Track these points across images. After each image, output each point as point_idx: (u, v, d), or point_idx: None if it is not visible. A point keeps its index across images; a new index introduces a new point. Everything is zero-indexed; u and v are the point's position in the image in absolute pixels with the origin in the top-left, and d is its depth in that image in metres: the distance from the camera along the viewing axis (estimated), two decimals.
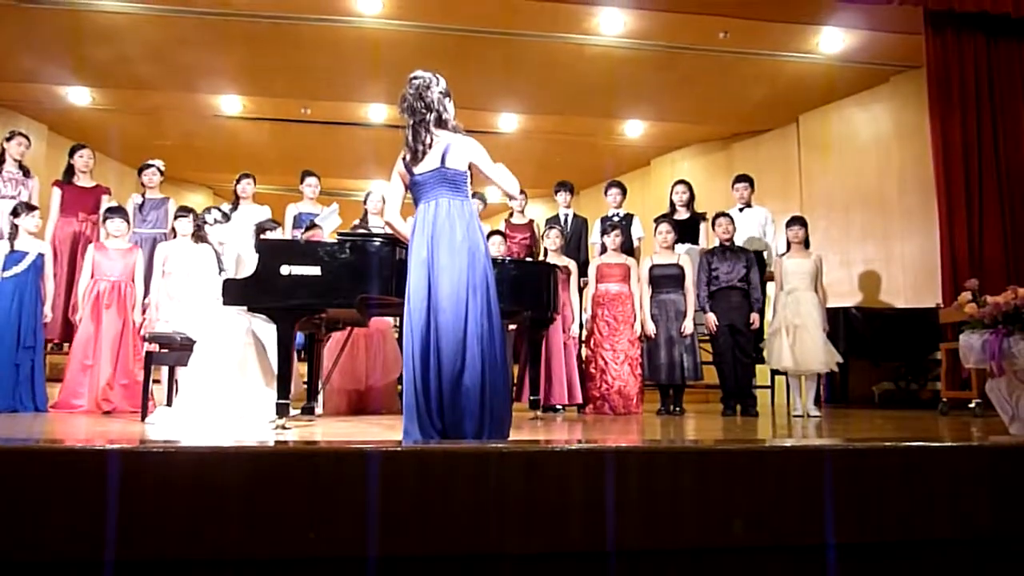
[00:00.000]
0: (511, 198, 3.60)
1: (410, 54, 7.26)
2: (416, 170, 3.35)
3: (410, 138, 3.35)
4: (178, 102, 8.54)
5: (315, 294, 3.99)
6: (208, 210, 5.17)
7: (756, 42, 7.37)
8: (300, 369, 5.54)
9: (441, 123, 3.37)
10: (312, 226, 5.38)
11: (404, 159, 3.39)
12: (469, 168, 3.38)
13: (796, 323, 5.70)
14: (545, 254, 6.49)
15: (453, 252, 3.23)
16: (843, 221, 8.28)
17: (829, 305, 6.23)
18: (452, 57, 7.30)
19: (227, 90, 8.34)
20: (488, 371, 3.16)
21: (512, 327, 6.20)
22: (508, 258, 5.88)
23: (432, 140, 3.33)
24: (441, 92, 3.39)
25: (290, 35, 7.21)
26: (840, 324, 6.85)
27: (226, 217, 5.10)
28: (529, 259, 6.51)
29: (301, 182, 6.98)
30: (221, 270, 4.88)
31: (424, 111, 3.34)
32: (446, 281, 3.20)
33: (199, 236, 5.07)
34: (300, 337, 5.99)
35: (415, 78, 3.38)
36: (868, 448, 2.53)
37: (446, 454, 2.30)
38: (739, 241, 6.46)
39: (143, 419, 4.66)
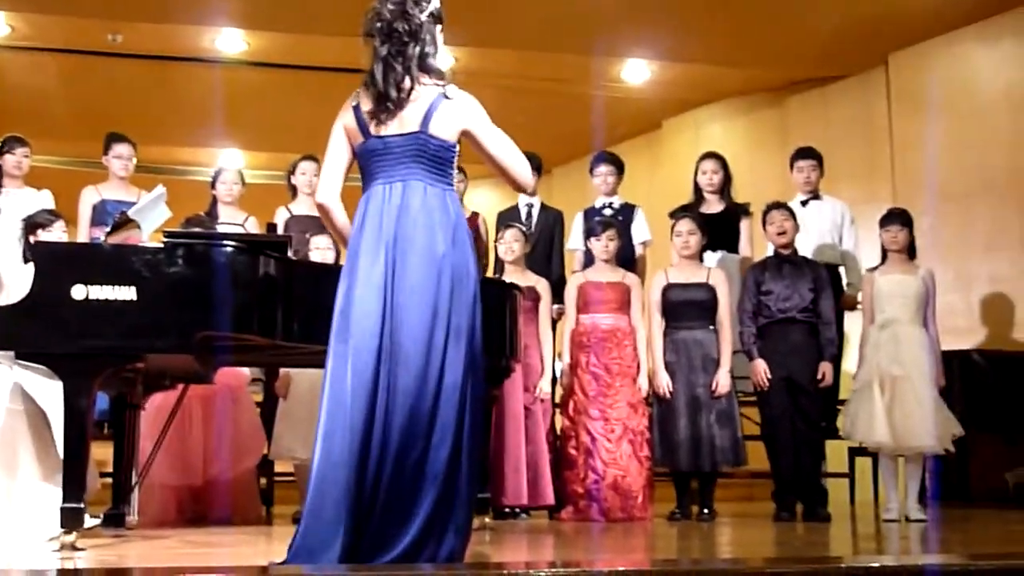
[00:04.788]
0: (520, 190, 3.63)
1: None
2: (378, 130, 3.34)
3: (379, 75, 3.33)
4: None
5: (128, 332, 3.94)
6: None
7: None
8: (101, 454, 5.42)
9: (424, 64, 3.37)
10: (124, 223, 5.29)
11: (357, 108, 3.38)
12: (460, 141, 3.40)
13: (896, 374, 5.79)
14: (499, 268, 6.48)
15: (430, 269, 3.23)
16: (959, 217, 8.42)
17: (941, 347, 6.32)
18: None
19: None
20: (464, 459, 3.18)
21: None
22: None
23: (412, 86, 3.34)
24: (432, 15, 3.40)
25: None
26: (955, 376, 6.95)
27: None
28: None
29: (106, 151, 6.89)
30: None
31: (407, 38, 3.34)
32: (415, 315, 3.20)
33: None
34: (103, 402, 5.83)
35: None
36: (1001, 569, 2.56)
37: None
38: (804, 249, 6.54)
39: None
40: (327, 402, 3.21)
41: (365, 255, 3.26)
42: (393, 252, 3.24)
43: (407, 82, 3.32)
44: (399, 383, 3.16)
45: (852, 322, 6.65)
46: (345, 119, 3.39)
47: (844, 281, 6.86)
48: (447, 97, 3.34)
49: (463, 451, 3.18)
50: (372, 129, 3.33)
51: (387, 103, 3.31)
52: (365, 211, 3.32)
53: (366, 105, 3.35)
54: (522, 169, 3.48)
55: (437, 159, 3.33)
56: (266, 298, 4.11)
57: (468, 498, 3.21)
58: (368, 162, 3.37)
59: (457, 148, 3.39)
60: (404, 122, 3.32)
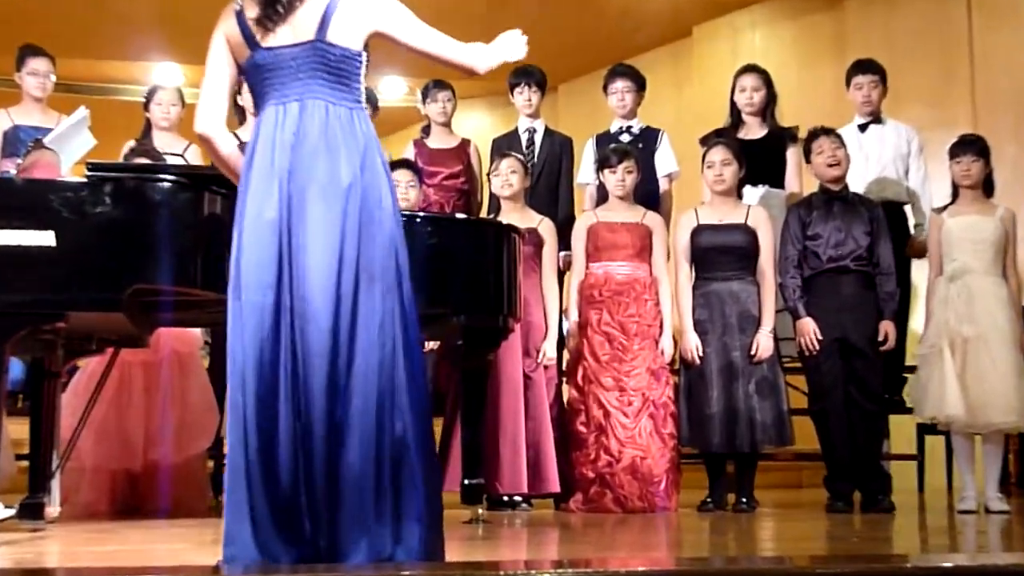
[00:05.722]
0: (472, 74, 3.57)
1: None
2: (266, 39, 3.32)
3: None
4: None
5: (46, 285, 3.96)
6: None
7: None
8: (17, 431, 5.45)
9: None
10: (40, 152, 5.29)
11: (241, 14, 3.35)
12: (368, 46, 3.37)
13: (968, 334, 5.79)
14: (494, 206, 6.49)
15: (332, 204, 3.22)
16: None
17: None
18: None
19: None
20: (396, 431, 3.15)
21: (430, 346, 6.13)
22: (423, 213, 5.84)
23: None
24: None
25: None
26: None
27: None
28: (462, 215, 6.48)
29: (18, 67, 6.87)
30: None
31: None
32: (319, 260, 3.18)
33: None
34: (17, 370, 5.83)
35: None
36: None
37: None
38: (860, 183, 6.54)
39: None
40: (228, 374, 3.21)
41: (256, 192, 3.25)
42: (289, 186, 3.22)
43: None
44: (309, 344, 3.14)
45: (921, 272, 6.63)
46: (226, 27, 3.36)
47: (911, 222, 6.85)
48: None
49: (393, 418, 3.15)
50: (259, 39, 3.31)
51: (276, 5, 3.28)
52: (256, 139, 3.30)
53: (251, 9, 3.31)
54: (461, 53, 3.45)
55: (340, 71, 3.31)
56: (211, 244, 4.10)
57: (424, 478, 3.19)
58: (257, 80, 3.35)
59: (364, 56, 3.36)
60: (297, 29, 3.29)
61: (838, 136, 6.16)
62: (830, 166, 6.05)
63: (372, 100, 7.10)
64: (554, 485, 5.99)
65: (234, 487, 3.15)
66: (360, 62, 3.35)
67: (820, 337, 5.92)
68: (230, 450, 3.20)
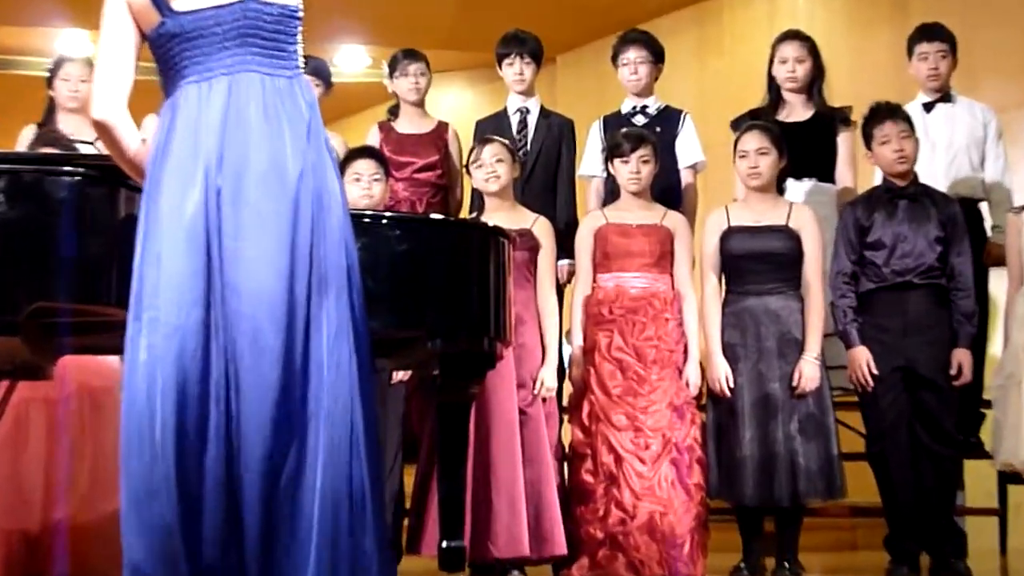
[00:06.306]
0: None
1: None
2: (181, 3, 3.29)
3: None
4: None
5: None
6: None
7: None
8: None
9: None
10: None
11: None
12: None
13: None
14: (477, 203, 6.48)
15: (280, 196, 3.18)
16: None
17: None
18: None
19: None
20: (354, 481, 3.12)
21: (400, 377, 6.10)
22: (390, 212, 5.86)
23: None
24: None
25: None
26: None
27: None
28: (438, 216, 6.47)
29: None
30: None
31: None
32: (264, 264, 3.15)
33: None
34: None
35: None
36: None
37: None
38: (926, 176, 6.48)
39: None
40: (124, 419, 3.13)
41: (172, 185, 3.20)
42: (217, 176, 3.18)
43: None
44: (258, 369, 3.09)
45: (1001, 283, 6.61)
46: None
47: (988, 224, 6.84)
48: None
49: (358, 458, 3.15)
50: (172, 2, 3.28)
51: None
52: (170, 124, 3.27)
53: None
54: None
55: (277, 34, 3.30)
56: (130, 251, 4.06)
57: (377, 533, 3.17)
58: (171, 52, 3.33)
59: (302, 8, 3.34)
60: None
61: (906, 118, 6.12)
62: (896, 157, 6.01)
63: (324, 75, 7.11)
64: (560, 547, 5.92)
65: (129, 559, 3.08)
66: (299, 18, 3.33)
67: (875, 371, 5.90)
68: (124, 514, 3.11)
